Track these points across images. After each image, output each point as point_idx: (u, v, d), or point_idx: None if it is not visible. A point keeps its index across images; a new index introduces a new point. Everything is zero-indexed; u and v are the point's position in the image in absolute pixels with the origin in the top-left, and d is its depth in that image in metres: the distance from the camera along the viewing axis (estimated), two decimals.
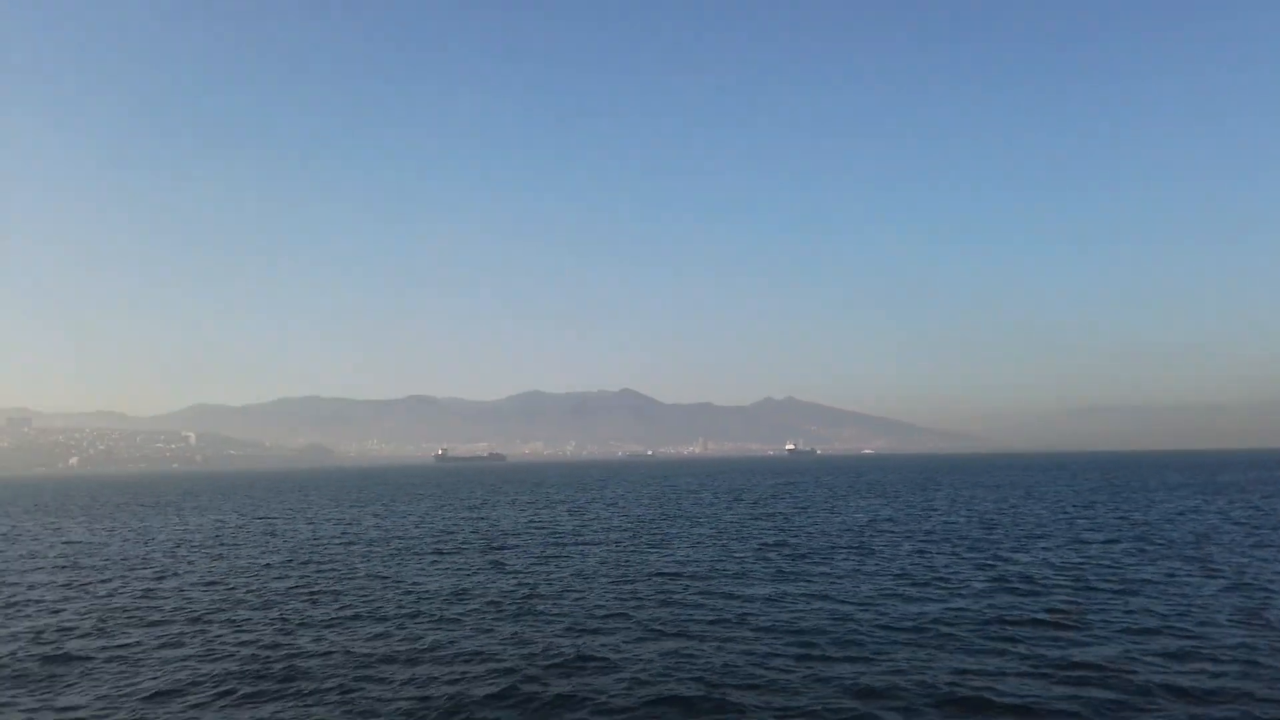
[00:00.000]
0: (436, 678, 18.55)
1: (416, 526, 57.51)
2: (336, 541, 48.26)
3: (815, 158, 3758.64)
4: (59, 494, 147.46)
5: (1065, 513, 58.34)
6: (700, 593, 28.39)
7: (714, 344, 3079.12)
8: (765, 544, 41.74)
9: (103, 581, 34.26)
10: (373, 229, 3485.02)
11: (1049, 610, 24.07)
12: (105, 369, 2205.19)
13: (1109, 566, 32.24)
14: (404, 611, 25.98)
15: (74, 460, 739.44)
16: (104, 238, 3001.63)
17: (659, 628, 23.00)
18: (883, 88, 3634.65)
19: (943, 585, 28.69)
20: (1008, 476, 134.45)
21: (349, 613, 26.02)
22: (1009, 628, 22.11)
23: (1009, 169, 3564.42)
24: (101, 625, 25.06)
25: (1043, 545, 39.33)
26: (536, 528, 54.43)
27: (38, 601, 29.68)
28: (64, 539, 55.07)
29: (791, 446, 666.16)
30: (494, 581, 31.74)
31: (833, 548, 39.93)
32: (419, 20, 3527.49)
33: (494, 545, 44.25)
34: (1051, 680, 17.44)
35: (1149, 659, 18.85)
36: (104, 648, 22.06)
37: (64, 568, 39.36)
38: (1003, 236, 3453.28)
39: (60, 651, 21.72)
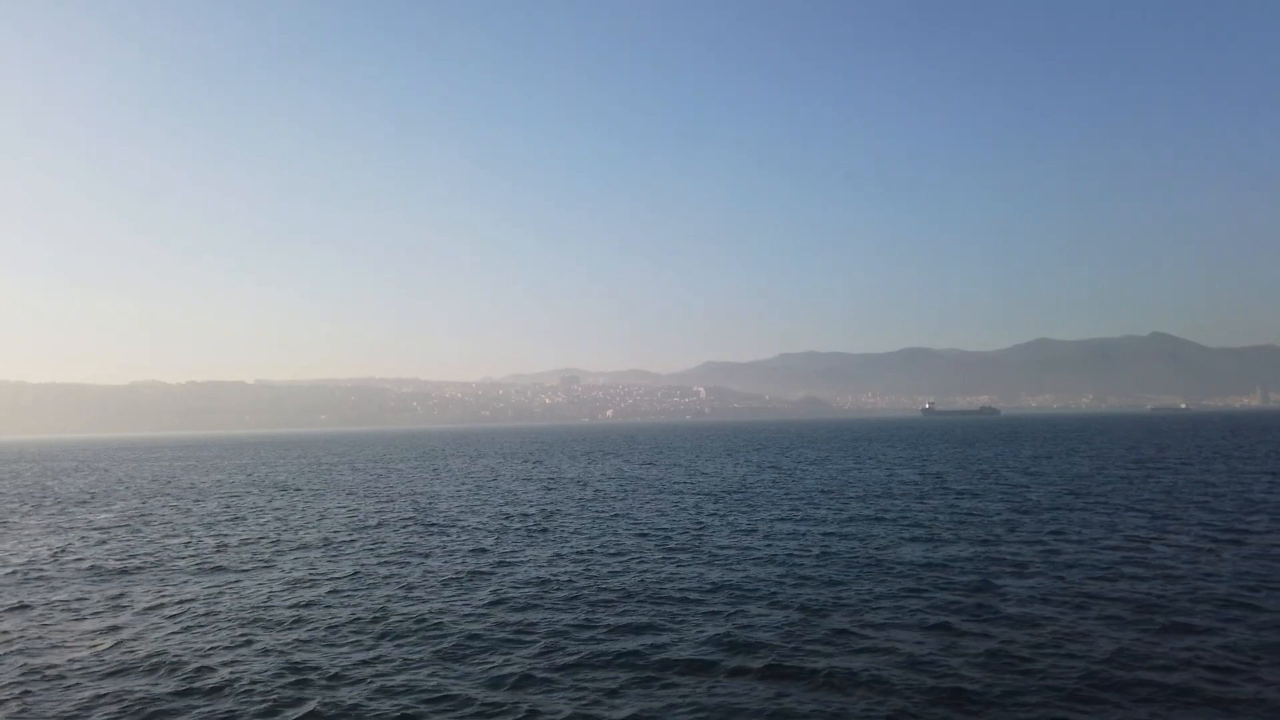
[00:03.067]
0: None
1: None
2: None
3: None
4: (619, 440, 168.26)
5: None
6: None
7: (1275, 272, 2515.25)
8: None
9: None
10: (857, 201, 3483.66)
11: None
12: (638, 333, 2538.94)
13: None
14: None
15: (610, 412, 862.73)
16: (628, 225, 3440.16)
17: None
18: None
19: None
20: None
21: None
22: None
23: None
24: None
25: None
26: None
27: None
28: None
29: None
30: None
31: None
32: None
33: None
34: None
35: None
36: None
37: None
38: None
39: None
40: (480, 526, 33.40)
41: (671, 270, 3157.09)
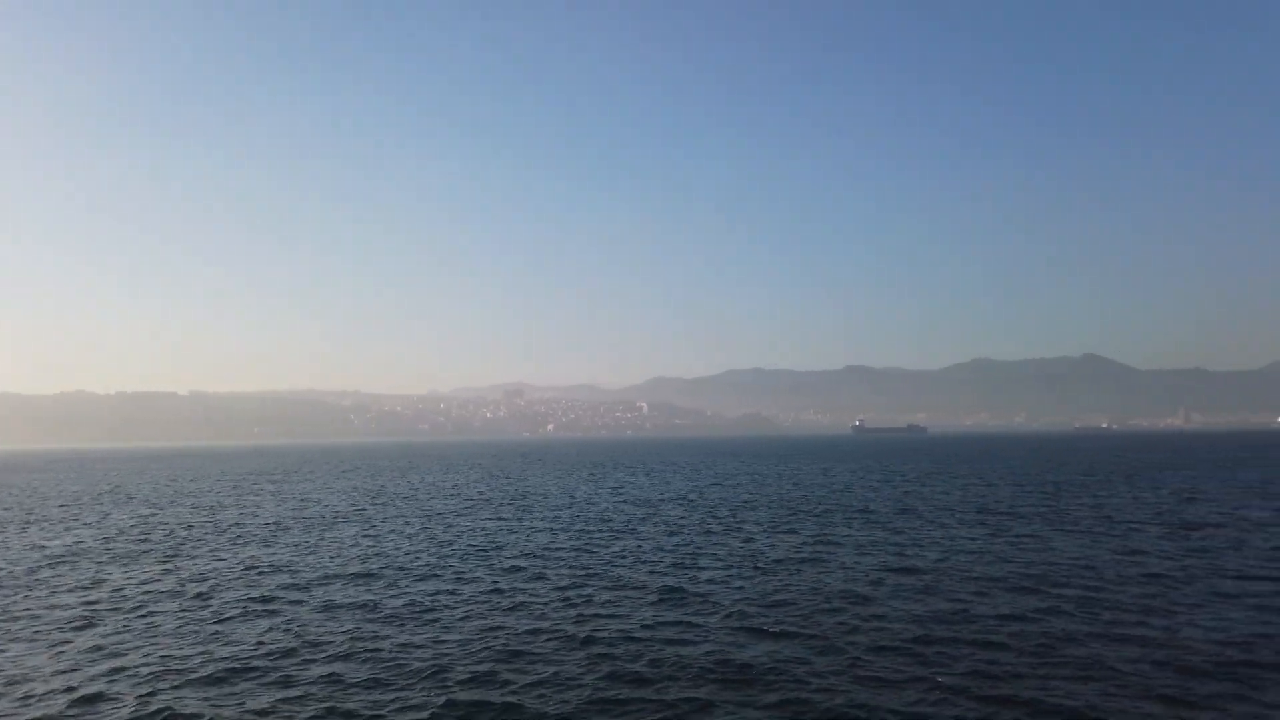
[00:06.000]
0: None
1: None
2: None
3: None
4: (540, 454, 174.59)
5: None
6: None
7: (1205, 299, 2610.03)
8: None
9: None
10: (798, 219, 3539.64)
11: None
12: (589, 347, 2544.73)
13: None
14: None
15: (551, 426, 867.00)
16: (579, 237, 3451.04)
17: None
18: None
19: None
20: None
21: None
22: None
23: None
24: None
25: None
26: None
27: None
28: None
29: None
30: None
31: None
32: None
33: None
34: None
35: None
36: None
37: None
38: None
39: None
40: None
41: (625, 284, 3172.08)
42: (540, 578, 27.06)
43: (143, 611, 22.92)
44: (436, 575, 27.69)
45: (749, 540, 35.07)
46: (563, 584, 25.92)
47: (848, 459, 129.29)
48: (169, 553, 34.14)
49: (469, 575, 27.67)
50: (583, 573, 27.83)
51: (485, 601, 23.51)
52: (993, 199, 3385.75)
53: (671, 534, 37.73)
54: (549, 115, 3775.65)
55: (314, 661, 17.80)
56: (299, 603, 23.82)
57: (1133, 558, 29.16)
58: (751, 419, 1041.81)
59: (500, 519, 45.51)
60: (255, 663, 17.70)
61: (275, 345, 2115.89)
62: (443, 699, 15.30)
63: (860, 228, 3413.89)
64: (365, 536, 38.62)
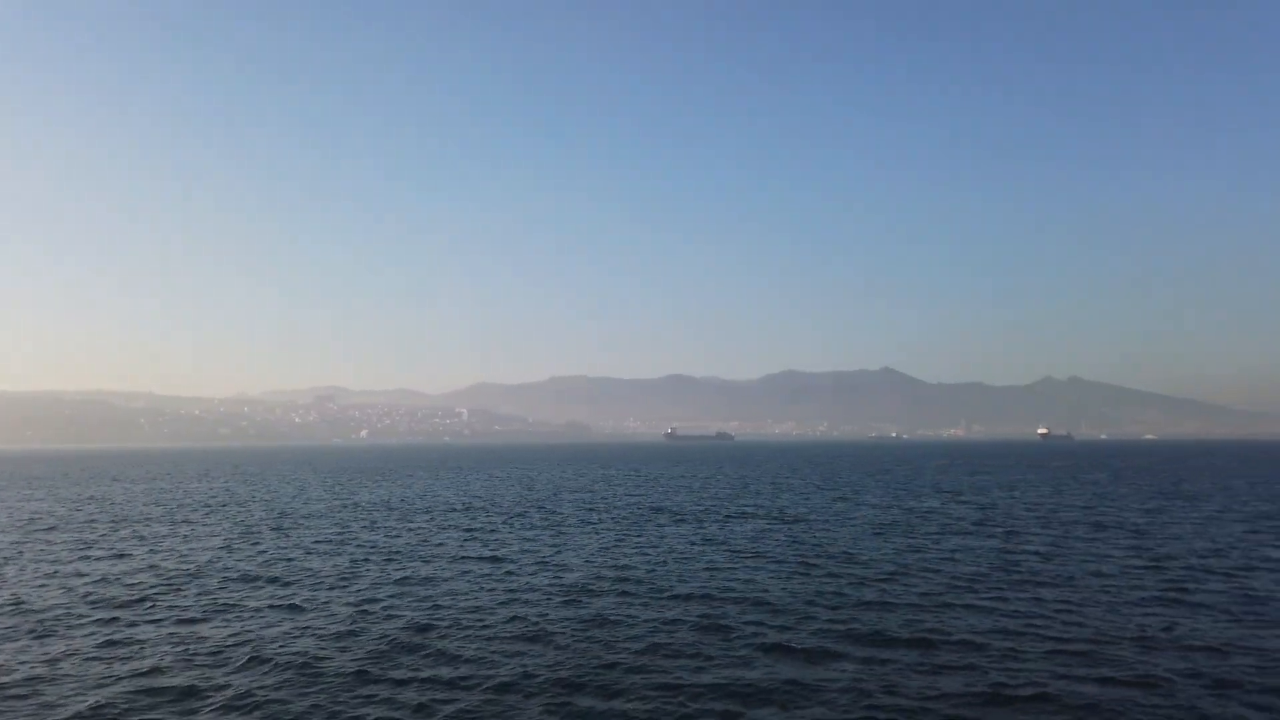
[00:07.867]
0: None
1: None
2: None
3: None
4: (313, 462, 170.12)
5: None
6: None
7: (987, 320, 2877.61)
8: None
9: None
10: (632, 229, 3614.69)
11: None
12: (411, 351, 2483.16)
13: None
14: None
15: (364, 433, 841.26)
16: (403, 239, 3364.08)
17: None
18: None
19: None
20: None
21: None
22: None
23: None
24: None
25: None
26: None
27: None
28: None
29: (1044, 430, 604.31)
30: None
31: None
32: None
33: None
34: None
35: None
36: None
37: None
38: None
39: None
40: None
41: (450, 288, 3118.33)
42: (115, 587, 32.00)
43: None
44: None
45: (458, 538, 41.15)
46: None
47: (609, 464, 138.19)
48: None
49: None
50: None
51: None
52: (810, 224, 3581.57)
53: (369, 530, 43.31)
54: (369, 109, 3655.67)
55: None
56: None
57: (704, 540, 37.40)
58: (572, 427, 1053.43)
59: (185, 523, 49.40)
60: None
61: (61, 342, 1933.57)
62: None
63: (684, 239, 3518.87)
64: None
